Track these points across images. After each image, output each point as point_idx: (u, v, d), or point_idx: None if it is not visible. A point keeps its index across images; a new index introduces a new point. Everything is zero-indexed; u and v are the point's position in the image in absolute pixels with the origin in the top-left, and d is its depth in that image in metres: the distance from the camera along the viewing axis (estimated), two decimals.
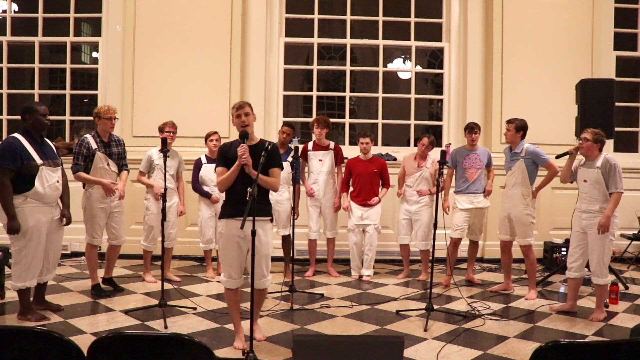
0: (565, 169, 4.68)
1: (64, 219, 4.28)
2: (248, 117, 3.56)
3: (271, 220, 3.68)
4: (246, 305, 3.69)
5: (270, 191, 3.66)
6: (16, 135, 3.98)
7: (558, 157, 4.91)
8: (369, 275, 5.77)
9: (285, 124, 5.85)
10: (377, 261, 6.19)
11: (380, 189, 5.85)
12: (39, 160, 3.97)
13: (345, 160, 6.07)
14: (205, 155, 5.71)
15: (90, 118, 7.37)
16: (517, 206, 5.01)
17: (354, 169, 5.84)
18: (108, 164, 4.84)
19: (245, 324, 3.87)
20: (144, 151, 5.47)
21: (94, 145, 4.76)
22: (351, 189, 5.90)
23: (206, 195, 5.60)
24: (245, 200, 3.21)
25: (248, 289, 3.45)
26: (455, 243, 5.50)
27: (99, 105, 4.97)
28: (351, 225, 5.80)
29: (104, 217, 4.88)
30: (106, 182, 4.72)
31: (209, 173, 5.60)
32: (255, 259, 3.40)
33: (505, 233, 5.19)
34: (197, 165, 5.67)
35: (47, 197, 4.04)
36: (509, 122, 5.11)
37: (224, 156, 3.58)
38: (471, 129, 5.48)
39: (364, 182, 5.76)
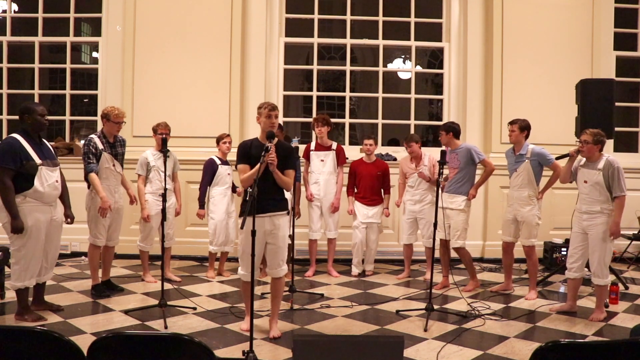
0: (565, 170, 4.67)
1: (68, 219, 4.31)
2: (277, 119, 3.83)
3: (287, 214, 3.92)
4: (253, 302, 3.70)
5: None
6: (15, 135, 3.99)
7: (558, 159, 4.91)
8: (370, 270, 5.97)
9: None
10: (377, 261, 6.21)
11: (382, 194, 5.93)
12: (38, 160, 3.98)
13: (347, 161, 6.09)
14: (216, 156, 5.67)
15: (90, 118, 7.46)
16: (524, 207, 5.00)
17: (358, 171, 5.92)
18: (114, 165, 4.84)
19: (246, 324, 3.90)
20: (144, 151, 5.46)
21: (100, 146, 4.76)
22: (355, 190, 5.98)
23: (201, 203, 5.50)
24: (265, 197, 3.61)
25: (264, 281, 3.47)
26: (442, 243, 5.42)
27: (109, 107, 4.88)
28: (357, 223, 5.88)
29: (108, 218, 4.86)
30: (106, 200, 4.65)
31: (224, 174, 5.58)
32: (272, 249, 3.83)
33: (509, 235, 5.18)
34: (212, 167, 5.55)
35: (46, 196, 4.04)
36: (512, 122, 5.08)
37: (246, 154, 3.78)
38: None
39: (368, 184, 5.86)
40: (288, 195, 5.56)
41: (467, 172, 5.29)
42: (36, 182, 3.96)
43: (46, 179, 4.03)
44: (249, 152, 3.76)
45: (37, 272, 4.10)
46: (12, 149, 3.89)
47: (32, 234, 3.97)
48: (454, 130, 5.37)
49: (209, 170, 5.56)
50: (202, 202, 5.56)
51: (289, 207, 4.07)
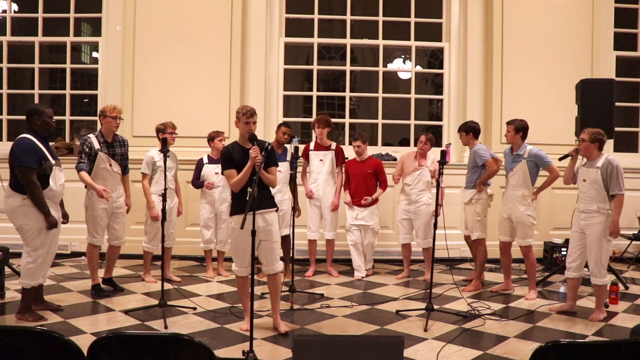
0: (567, 170, 4.68)
1: (63, 218, 4.32)
2: (255, 124, 3.89)
3: (277, 210, 4.01)
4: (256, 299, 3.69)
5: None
6: (28, 135, 4.00)
7: (560, 159, 4.91)
8: (369, 269, 5.91)
9: (284, 124, 5.83)
10: (377, 261, 6.21)
11: (377, 189, 5.86)
12: (52, 160, 4.05)
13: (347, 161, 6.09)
14: (208, 155, 5.71)
15: (90, 118, 7.47)
16: (518, 207, 5.01)
17: (350, 171, 5.88)
18: (110, 165, 4.83)
19: (245, 324, 3.90)
20: (144, 151, 5.46)
21: (96, 145, 4.76)
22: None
23: (201, 185, 5.61)
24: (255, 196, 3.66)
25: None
26: (466, 240, 5.61)
27: (105, 104, 4.95)
28: (348, 225, 5.85)
29: (106, 217, 4.87)
30: (98, 188, 4.63)
31: (210, 174, 5.61)
32: (266, 245, 3.90)
33: (505, 234, 5.20)
34: (199, 165, 5.70)
35: (57, 195, 4.13)
36: (508, 123, 5.12)
37: (230, 159, 3.86)
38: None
39: (359, 183, 5.79)
40: (287, 195, 5.60)
41: (476, 171, 5.37)
42: (51, 181, 4.02)
43: (58, 178, 4.10)
44: (231, 157, 3.85)
45: (49, 269, 4.18)
46: (33, 150, 3.92)
47: (50, 233, 4.03)
48: (474, 130, 5.42)
49: (196, 169, 5.71)
50: (199, 185, 5.64)
51: (291, 209, 4.13)
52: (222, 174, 3.99)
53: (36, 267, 4.02)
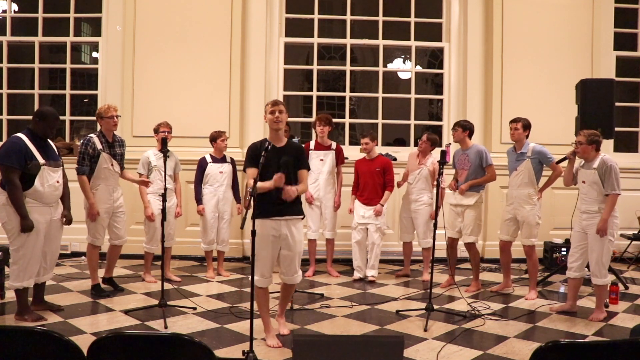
0: (566, 172, 4.68)
1: (64, 219, 4.28)
2: (282, 114, 3.63)
3: (302, 218, 3.82)
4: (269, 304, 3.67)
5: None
6: (20, 135, 4.00)
7: (557, 162, 4.92)
8: (373, 276, 5.69)
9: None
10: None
11: (383, 191, 5.79)
12: (41, 160, 3.99)
13: (346, 161, 6.08)
14: (210, 154, 5.70)
15: (90, 118, 7.46)
16: (524, 206, 4.99)
17: (359, 169, 5.86)
18: (112, 165, 4.83)
19: (246, 324, 3.89)
20: (144, 151, 5.46)
21: (99, 146, 4.75)
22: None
23: (197, 200, 5.60)
24: (278, 201, 3.49)
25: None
26: (449, 243, 5.38)
27: (100, 106, 4.95)
28: (354, 224, 5.81)
29: (107, 217, 4.87)
30: (94, 207, 4.67)
31: (215, 172, 5.61)
32: (288, 256, 3.74)
33: (506, 234, 5.18)
34: (201, 165, 5.65)
35: (46, 196, 4.04)
36: (514, 121, 5.08)
37: (256, 157, 3.49)
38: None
39: (367, 181, 5.76)
40: None
41: (478, 173, 5.25)
42: (36, 182, 3.96)
43: (47, 179, 4.02)
44: (258, 155, 3.44)
45: (36, 272, 4.09)
46: (17, 149, 3.90)
47: (31, 235, 3.96)
48: (470, 129, 5.37)
49: (199, 169, 5.66)
50: (197, 198, 5.61)
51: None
52: (244, 170, 3.66)
53: (19, 269, 3.97)
